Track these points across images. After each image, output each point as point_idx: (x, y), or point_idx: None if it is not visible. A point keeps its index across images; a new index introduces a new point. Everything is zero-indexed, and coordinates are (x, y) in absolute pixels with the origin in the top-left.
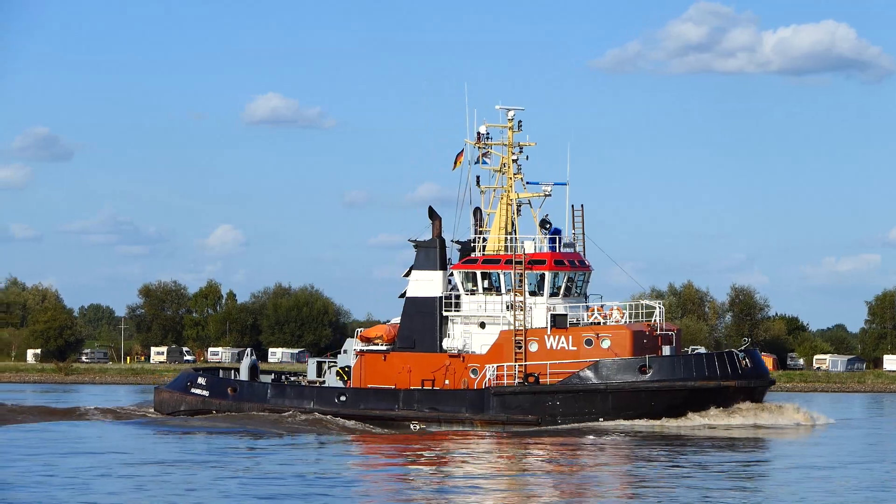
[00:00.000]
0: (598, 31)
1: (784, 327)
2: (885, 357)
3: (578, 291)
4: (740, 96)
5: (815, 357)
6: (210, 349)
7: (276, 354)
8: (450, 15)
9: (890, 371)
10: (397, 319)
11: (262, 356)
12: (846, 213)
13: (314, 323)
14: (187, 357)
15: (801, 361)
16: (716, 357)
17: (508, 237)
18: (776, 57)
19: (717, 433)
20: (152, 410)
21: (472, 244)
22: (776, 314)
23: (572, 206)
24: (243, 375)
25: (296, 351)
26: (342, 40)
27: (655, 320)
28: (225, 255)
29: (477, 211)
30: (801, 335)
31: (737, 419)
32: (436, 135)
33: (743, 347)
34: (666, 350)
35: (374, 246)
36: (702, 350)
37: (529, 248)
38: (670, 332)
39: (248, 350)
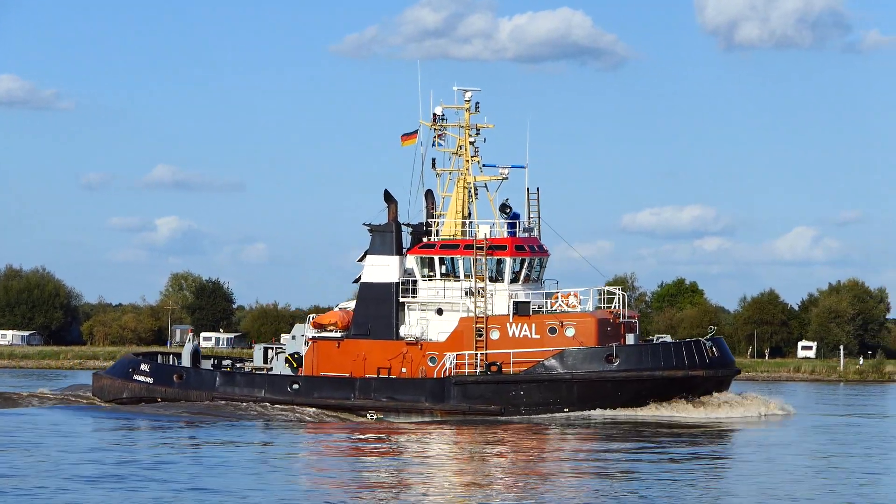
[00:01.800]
0: (337, 16)
1: None
2: None
3: (536, 277)
4: (477, 82)
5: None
6: None
7: (7, 337)
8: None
9: None
10: (350, 304)
11: None
12: (584, 201)
13: (45, 305)
14: None
15: None
16: (683, 346)
17: (467, 221)
18: (512, 44)
19: (683, 423)
20: (90, 396)
21: (425, 228)
22: None
23: (528, 189)
24: (185, 361)
25: (26, 333)
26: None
27: (616, 307)
28: None
29: (429, 193)
30: None
31: (704, 410)
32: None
33: (709, 336)
34: (630, 338)
35: (111, 228)
36: (667, 339)
37: (483, 232)
38: (633, 320)
39: (190, 335)
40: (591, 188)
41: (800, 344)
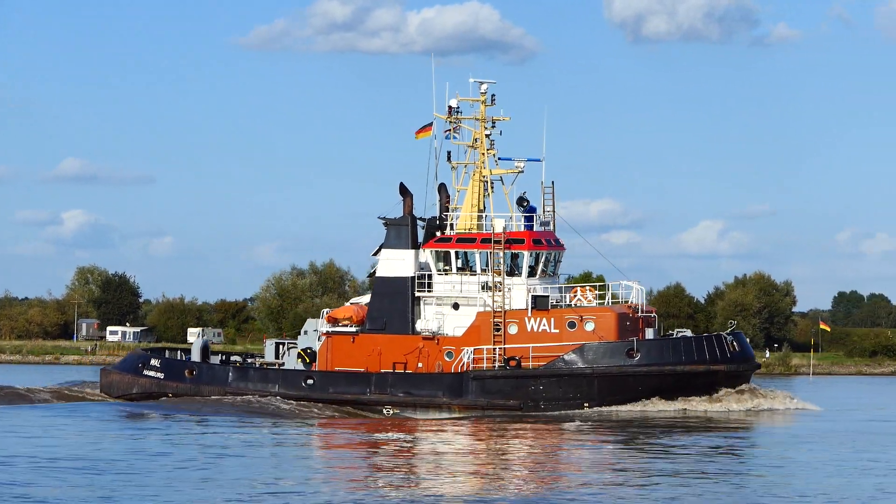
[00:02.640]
0: (246, 9)
1: None
2: None
3: (552, 271)
4: (386, 75)
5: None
6: None
7: None
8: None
9: None
10: (362, 299)
11: None
12: None
13: None
14: None
15: None
16: (704, 340)
17: (484, 215)
18: (420, 37)
19: (711, 417)
20: (98, 393)
21: (438, 222)
22: None
23: (542, 182)
24: (195, 356)
25: None
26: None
27: (632, 301)
28: None
29: (442, 187)
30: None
31: (728, 404)
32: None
33: (730, 330)
34: (649, 333)
35: (17, 222)
36: (688, 333)
37: (499, 226)
38: (651, 314)
39: (200, 330)
40: None
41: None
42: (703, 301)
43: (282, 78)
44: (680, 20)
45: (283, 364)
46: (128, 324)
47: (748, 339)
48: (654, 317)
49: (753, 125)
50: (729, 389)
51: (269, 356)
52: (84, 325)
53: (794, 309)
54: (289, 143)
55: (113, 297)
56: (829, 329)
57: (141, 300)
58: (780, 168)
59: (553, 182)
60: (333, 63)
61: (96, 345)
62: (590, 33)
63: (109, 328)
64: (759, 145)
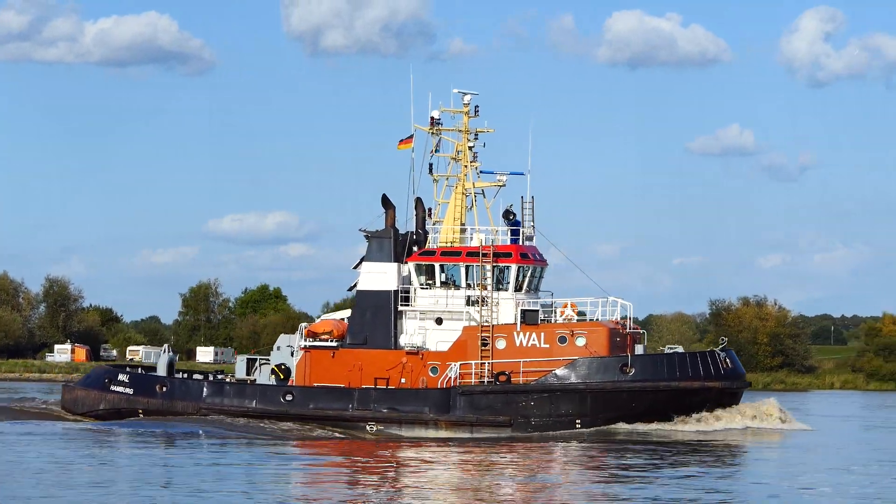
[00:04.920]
0: None
1: (99, 318)
2: (199, 349)
3: (535, 286)
4: (61, 87)
5: (129, 348)
6: None
7: None
8: None
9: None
10: (343, 314)
11: None
12: (169, 205)
13: None
14: None
15: (115, 353)
16: (699, 356)
17: (470, 229)
18: (97, 48)
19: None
20: (59, 409)
21: (415, 236)
22: (91, 305)
23: (521, 197)
24: (161, 372)
25: None
26: None
27: (618, 317)
28: None
29: (419, 201)
30: (116, 326)
31: (721, 422)
32: None
33: (721, 347)
34: (638, 349)
35: None
36: (679, 349)
37: (477, 241)
38: (640, 331)
39: (166, 346)
40: (179, 193)
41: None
42: None
43: None
44: (357, 34)
45: (254, 380)
46: None
47: None
48: (643, 333)
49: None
50: (721, 407)
51: (240, 373)
52: None
53: None
54: None
55: None
56: None
57: None
58: None
59: (533, 197)
60: (7, 74)
61: None
62: (268, 46)
63: None
64: None
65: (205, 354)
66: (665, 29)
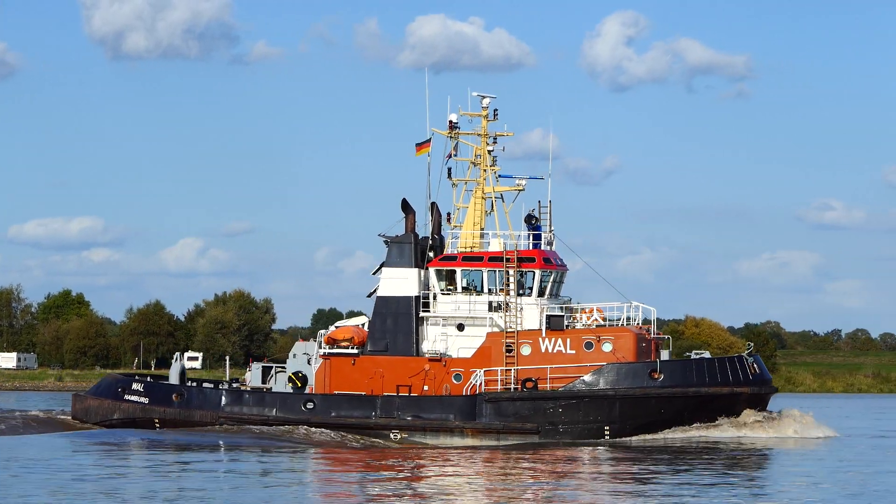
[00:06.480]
0: None
1: None
2: (1, 354)
3: (556, 292)
4: None
5: None
6: None
7: None
8: None
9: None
10: (361, 320)
11: None
12: None
13: None
14: None
15: None
16: (727, 362)
17: (492, 234)
18: None
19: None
20: (70, 419)
21: (431, 242)
22: None
23: (539, 201)
24: (173, 380)
25: None
26: None
27: (639, 323)
28: None
29: (433, 206)
30: None
31: (754, 430)
32: None
33: (748, 352)
34: (664, 354)
35: None
36: (706, 354)
37: (495, 245)
38: (664, 336)
39: (177, 354)
40: None
41: (186, 354)
42: (182, 319)
43: None
44: (160, 37)
45: (270, 389)
46: None
47: (227, 356)
48: (669, 338)
49: (234, 143)
50: (751, 412)
51: (256, 381)
52: None
53: (274, 326)
54: None
55: None
56: None
57: None
58: (260, 186)
59: (550, 201)
60: None
61: None
62: (69, 48)
63: None
64: (239, 163)
65: (7, 361)
66: (468, 33)
